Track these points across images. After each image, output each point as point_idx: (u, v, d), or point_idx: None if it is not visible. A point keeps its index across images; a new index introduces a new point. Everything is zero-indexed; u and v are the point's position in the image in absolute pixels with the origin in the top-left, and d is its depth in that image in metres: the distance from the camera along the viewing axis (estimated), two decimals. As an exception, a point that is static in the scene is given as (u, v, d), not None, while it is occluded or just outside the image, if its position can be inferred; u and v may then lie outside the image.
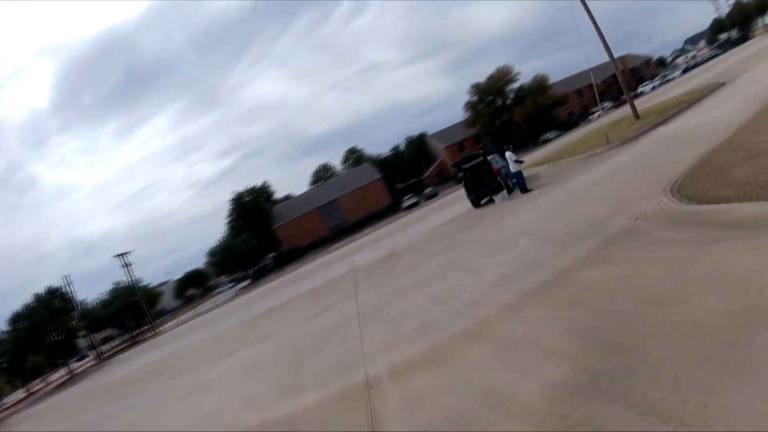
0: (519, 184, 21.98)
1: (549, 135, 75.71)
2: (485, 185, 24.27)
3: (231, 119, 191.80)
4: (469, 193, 24.82)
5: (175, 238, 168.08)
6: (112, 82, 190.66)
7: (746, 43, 79.66)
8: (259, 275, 76.37)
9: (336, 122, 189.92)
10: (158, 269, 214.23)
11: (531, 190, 21.31)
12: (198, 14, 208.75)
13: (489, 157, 24.97)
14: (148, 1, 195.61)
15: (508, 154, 22.47)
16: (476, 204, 24.90)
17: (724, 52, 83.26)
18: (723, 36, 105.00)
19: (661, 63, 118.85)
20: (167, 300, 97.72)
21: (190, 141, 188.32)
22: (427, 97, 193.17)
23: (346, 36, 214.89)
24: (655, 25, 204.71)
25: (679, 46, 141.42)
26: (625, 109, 49.17)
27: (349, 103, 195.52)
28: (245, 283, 76.97)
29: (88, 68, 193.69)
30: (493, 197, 23.17)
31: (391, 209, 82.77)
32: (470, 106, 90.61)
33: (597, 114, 77.62)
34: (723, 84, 28.71)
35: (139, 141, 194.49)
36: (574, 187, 16.97)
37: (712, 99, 24.94)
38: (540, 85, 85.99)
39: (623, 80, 31.81)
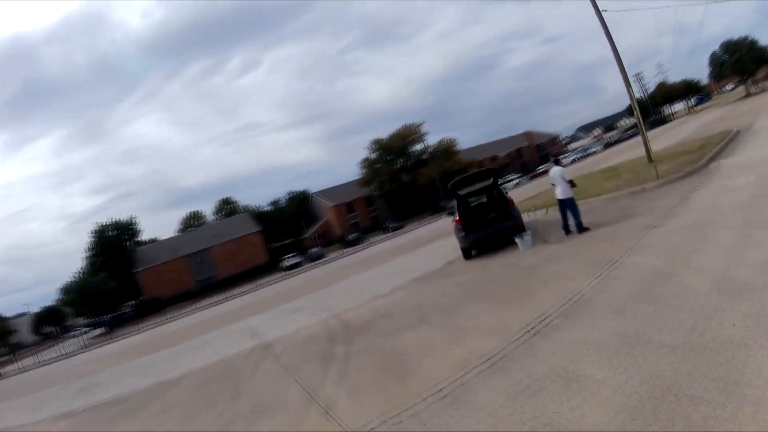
0: (573, 217, 13.67)
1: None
2: (492, 223, 15.77)
3: (111, 156, 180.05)
4: (467, 232, 15.67)
5: (42, 269, 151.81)
6: (9, 91, 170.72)
7: (669, 124, 79.79)
8: (116, 324, 64.25)
9: (212, 176, 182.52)
10: (24, 299, 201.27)
11: (588, 228, 13.35)
12: (102, 40, 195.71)
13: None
14: (60, 15, 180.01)
15: (556, 170, 14.24)
16: (469, 253, 16.00)
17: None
18: (626, 122, 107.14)
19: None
20: (25, 334, 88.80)
21: (70, 171, 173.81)
22: (305, 162, 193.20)
23: (233, 91, 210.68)
24: (546, 114, 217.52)
25: (571, 133, 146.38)
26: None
27: (227, 159, 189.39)
28: (99, 331, 64.29)
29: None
30: (516, 240, 14.29)
31: (267, 268, 72.13)
32: (368, 163, 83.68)
33: (515, 182, 71.98)
34: (738, 132, 25.59)
35: (23, 159, 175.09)
36: (717, 210, 10.33)
37: (743, 142, 21.81)
38: (446, 150, 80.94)
39: (636, 108, 24.75)
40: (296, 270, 56.69)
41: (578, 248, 11.64)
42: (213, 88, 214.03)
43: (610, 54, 24.16)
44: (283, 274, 54.01)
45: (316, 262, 58.11)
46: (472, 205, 17.18)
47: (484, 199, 17.19)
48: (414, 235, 42.60)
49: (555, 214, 19.55)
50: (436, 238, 28.53)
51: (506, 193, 16.67)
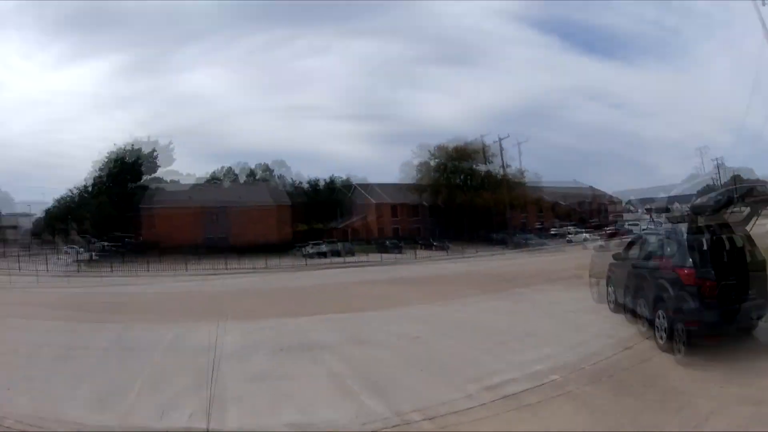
0: None
1: (529, 238, 64.43)
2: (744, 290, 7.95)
3: (161, 95, 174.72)
4: (717, 300, 7.65)
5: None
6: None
7: None
8: (105, 254, 59.34)
9: (256, 145, 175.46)
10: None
11: None
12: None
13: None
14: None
15: None
16: (715, 332, 7.86)
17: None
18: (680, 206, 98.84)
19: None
20: (24, 235, 79.31)
21: (118, 99, 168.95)
22: (350, 156, 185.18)
23: (295, 69, 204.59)
24: (593, 176, 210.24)
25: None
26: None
27: (275, 133, 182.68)
28: (86, 256, 58.76)
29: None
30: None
31: (285, 248, 62.97)
32: (425, 168, 75.73)
33: (584, 237, 63.82)
34: None
35: (78, 73, 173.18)
36: None
37: None
38: (517, 179, 74.41)
39: None
40: (319, 262, 49.82)
41: None
42: (276, 61, 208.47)
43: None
44: (303, 262, 46.61)
45: (345, 259, 50.66)
46: (717, 248, 8.96)
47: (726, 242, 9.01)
48: (476, 266, 34.62)
49: None
50: (519, 280, 20.98)
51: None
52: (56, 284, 31.87)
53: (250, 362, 9.68)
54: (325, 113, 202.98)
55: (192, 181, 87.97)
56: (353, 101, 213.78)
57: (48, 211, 78.92)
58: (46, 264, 44.17)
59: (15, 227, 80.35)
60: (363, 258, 51.14)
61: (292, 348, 10.69)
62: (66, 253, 61.38)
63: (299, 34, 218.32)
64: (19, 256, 50.01)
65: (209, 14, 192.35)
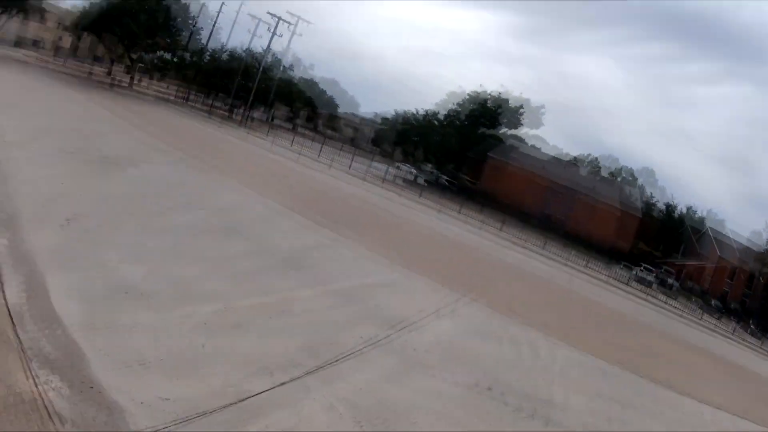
0: None
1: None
2: None
3: (545, 67, 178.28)
4: None
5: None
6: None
7: None
8: (432, 185, 60.67)
9: (626, 146, 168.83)
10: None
11: None
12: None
13: None
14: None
15: None
16: None
17: None
18: None
19: None
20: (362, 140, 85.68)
21: (500, 53, 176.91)
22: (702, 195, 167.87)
23: (677, 89, 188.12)
24: None
25: None
26: None
27: (648, 142, 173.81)
28: (409, 175, 60.93)
29: None
30: None
31: (613, 259, 61.15)
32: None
33: None
34: None
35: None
36: None
37: None
38: None
39: None
40: (641, 289, 48.09)
41: None
42: (665, 76, 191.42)
43: None
44: (624, 282, 46.43)
45: (667, 300, 48.58)
46: None
47: None
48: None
49: None
50: None
51: None
52: (349, 182, 33.67)
53: (411, 377, 6.47)
54: (694, 141, 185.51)
55: (552, 152, 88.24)
56: (726, 143, 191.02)
57: (387, 121, 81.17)
58: (350, 163, 45.57)
59: (355, 128, 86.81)
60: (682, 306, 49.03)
61: (506, 392, 7.23)
62: (396, 167, 62.81)
63: (693, 58, 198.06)
64: (322, 147, 50.80)
65: (612, 7, 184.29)
